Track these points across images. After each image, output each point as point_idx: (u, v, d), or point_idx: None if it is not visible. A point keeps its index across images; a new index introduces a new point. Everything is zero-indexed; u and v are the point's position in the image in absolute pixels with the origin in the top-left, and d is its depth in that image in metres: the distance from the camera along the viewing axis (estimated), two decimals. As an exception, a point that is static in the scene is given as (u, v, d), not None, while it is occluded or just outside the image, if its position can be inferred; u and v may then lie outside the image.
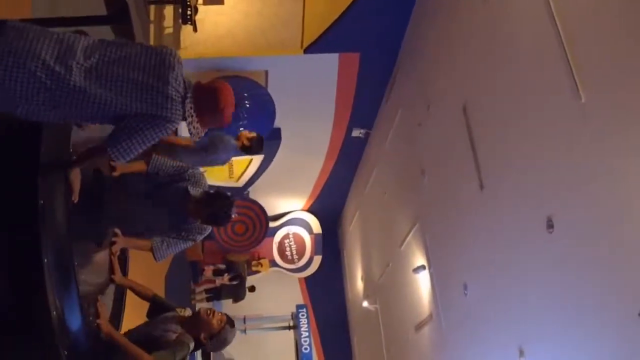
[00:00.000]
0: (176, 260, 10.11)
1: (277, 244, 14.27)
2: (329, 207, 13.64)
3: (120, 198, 3.19)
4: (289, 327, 10.12)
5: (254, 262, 13.73)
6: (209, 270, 12.56)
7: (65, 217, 1.79)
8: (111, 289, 2.77)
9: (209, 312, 3.35)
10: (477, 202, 5.86)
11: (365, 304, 11.09)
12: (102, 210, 2.25)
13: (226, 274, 12.75)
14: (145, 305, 3.61)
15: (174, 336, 3.11)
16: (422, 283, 7.91)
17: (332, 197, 13.17)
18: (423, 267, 7.69)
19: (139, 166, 3.63)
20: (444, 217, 6.96)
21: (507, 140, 5.18)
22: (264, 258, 14.06)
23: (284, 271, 14.18)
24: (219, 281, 12.69)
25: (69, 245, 1.78)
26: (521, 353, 5.14)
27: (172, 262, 9.75)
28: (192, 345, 3.18)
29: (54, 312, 1.63)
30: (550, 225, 4.50)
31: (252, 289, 12.67)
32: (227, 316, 3.45)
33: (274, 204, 13.50)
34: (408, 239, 8.44)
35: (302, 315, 9.65)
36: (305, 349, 9.44)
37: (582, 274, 4.17)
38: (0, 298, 1.66)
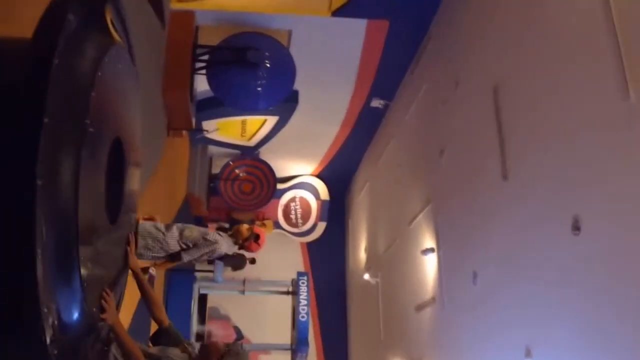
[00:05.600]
0: (180, 215, 9.98)
1: (282, 207, 14.10)
2: (338, 174, 13.41)
3: None
4: (288, 293, 10.01)
5: (257, 222, 13.58)
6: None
7: (73, 201, 1.50)
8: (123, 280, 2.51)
9: (213, 346, 3.14)
10: (498, 192, 5.61)
11: (366, 276, 10.96)
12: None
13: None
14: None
15: None
16: (429, 264, 7.73)
17: (343, 165, 12.93)
18: (432, 249, 7.49)
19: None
20: (460, 201, 6.71)
21: (539, 131, 4.89)
22: (268, 219, 13.92)
23: (287, 234, 14.05)
24: (221, 238, 12.58)
25: (75, 234, 1.50)
26: (528, 353, 4.96)
27: (175, 218, 9.62)
28: None
29: (45, 310, 1.39)
30: (576, 227, 4.25)
31: (253, 261, 12.51)
32: (235, 343, 3.24)
33: (284, 166, 13.28)
34: (419, 218, 8.22)
35: (303, 283, 9.53)
36: (302, 317, 9.35)
37: (604, 281, 3.95)
38: None
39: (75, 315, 1.56)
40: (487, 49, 6.07)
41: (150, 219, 4.84)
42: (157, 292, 8.43)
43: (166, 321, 3.31)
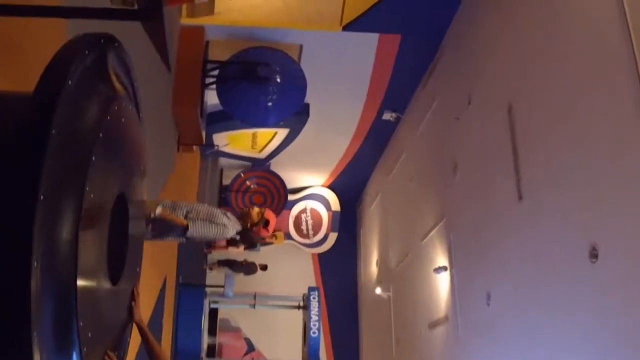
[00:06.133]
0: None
1: (293, 218, 14.03)
2: (349, 186, 13.32)
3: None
4: (299, 307, 9.91)
5: (268, 235, 13.51)
6: (222, 240, 12.37)
7: (72, 277, 1.41)
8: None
9: None
10: (513, 212, 5.50)
11: (378, 290, 10.86)
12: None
13: (241, 244, 12.56)
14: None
15: None
16: (442, 282, 7.62)
17: (354, 177, 12.84)
18: (445, 268, 7.38)
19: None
20: (473, 220, 6.60)
21: (555, 152, 4.78)
22: (279, 230, 13.84)
23: (298, 245, 13.98)
24: (232, 250, 12.53)
25: (74, 309, 1.41)
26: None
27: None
28: None
29: None
30: (594, 255, 4.14)
31: (264, 267, 12.47)
32: None
33: (294, 178, 13.21)
34: (431, 234, 8.11)
35: (314, 298, 9.40)
36: (314, 332, 9.23)
37: (621, 309, 3.84)
38: None
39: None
40: (501, 65, 5.96)
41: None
42: (168, 306, 8.40)
43: None
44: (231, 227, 4.79)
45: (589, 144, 4.27)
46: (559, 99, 4.74)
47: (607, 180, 4.04)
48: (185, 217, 4.59)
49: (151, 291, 7.26)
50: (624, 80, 3.80)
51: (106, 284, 1.70)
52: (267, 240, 13.62)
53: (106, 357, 1.82)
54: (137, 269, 2.12)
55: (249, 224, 5.07)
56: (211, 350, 10.84)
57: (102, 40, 1.75)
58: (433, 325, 7.93)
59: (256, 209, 5.16)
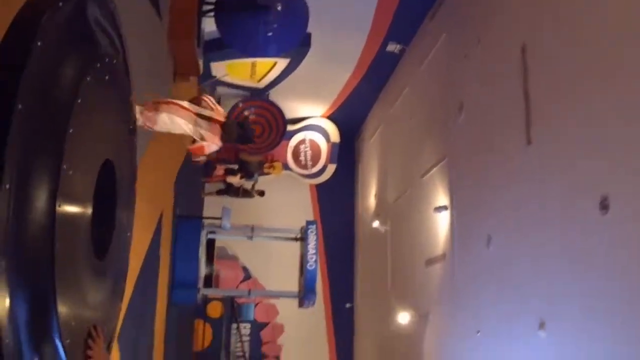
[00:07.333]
0: (188, 160, 9.78)
1: (292, 148, 13.83)
2: (349, 117, 13.05)
3: None
4: (296, 239, 9.89)
5: (266, 164, 13.38)
6: (220, 169, 12.25)
7: (49, 243, 1.23)
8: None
9: None
10: (520, 156, 5.33)
11: (375, 223, 10.84)
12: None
13: (238, 174, 12.47)
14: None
15: None
16: (441, 220, 7.55)
17: (354, 109, 12.55)
18: (445, 207, 7.29)
19: None
20: (477, 161, 6.44)
21: (569, 97, 4.56)
22: (277, 161, 13.69)
23: (296, 175, 13.86)
24: (229, 179, 12.45)
25: (52, 287, 1.25)
26: (541, 325, 4.83)
27: (183, 163, 9.45)
28: None
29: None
30: (604, 207, 4.01)
31: (262, 193, 12.42)
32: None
33: (294, 108, 12.92)
34: (432, 172, 7.98)
35: (311, 232, 9.35)
36: (311, 265, 9.23)
37: (627, 266, 3.75)
38: None
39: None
40: (518, 4, 5.62)
41: None
42: (165, 239, 8.37)
43: None
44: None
45: (606, 91, 4.04)
46: (581, 42, 4.46)
47: (623, 129, 3.85)
48: None
49: (149, 225, 7.21)
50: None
51: (90, 259, 1.55)
52: (265, 170, 13.52)
53: (90, 341, 1.69)
54: (127, 238, 1.97)
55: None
56: (208, 279, 10.93)
57: None
58: (430, 262, 7.93)
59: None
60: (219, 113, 5.09)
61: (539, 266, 4.92)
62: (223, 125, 4.99)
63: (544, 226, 4.81)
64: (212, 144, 5.02)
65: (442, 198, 7.52)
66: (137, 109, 4.23)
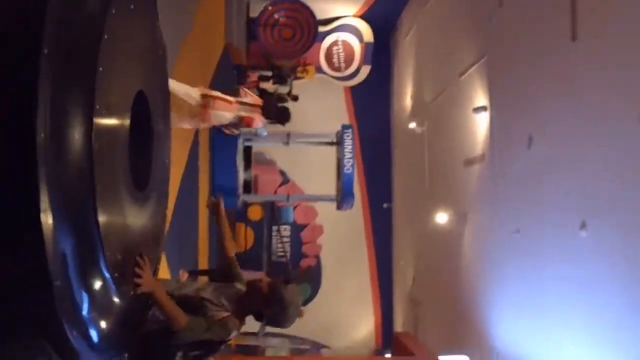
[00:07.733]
0: (220, 67, 9.70)
1: (324, 50, 13.51)
2: (383, 15, 12.57)
3: None
4: (332, 144, 9.88)
5: (299, 68, 13.16)
6: (254, 75, 12.11)
7: (89, 164, 1.23)
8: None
9: (257, 282, 2.94)
10: (564, 53, 5.08)
11: (412, 124, 10.71)
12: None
13: (271, 80, 12.34)
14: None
15: (219, 315, 2.76)
16: (480, 121, 7.39)
17: (388, 6, 12.06)
18: (484, 108, 7.11)
19: None
20: (518, 59, 6.18)
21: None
22: (310, 64, 13.43)
23: (330, 78, 13.64)
24: (263, 85, 12.34)
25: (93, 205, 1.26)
26: (582, 225, 4.80)
27: (217, 66, 9.38)
28: (234, 332, 2.85)
29: (57, 282, 1.18)
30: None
31: (296, 98, 12.32)
32: (279, 284, 2.97)
33: (325, 8, 12.48)
34: (471, 70, 7.72)
35: (347, 136, 9.30)
36: (348, 169, 9.27)
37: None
38: None
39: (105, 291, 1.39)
40: None
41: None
42: (203, 149, 8.51)
43: (232, 252, 3.22)
44: None
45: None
46: None
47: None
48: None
49: (187, 136, 7.32)
50: None
51: (130, 188, 1.56)
52: (299, 74, 13.31)
53: (139, 261, 1.74)
54: (166, 170, 1.97)
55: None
56: (247, 185, 11.13)
57: None
58: (469, 162, 7.86)
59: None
60: (255, 100, 6.86)
61: (581, 167, 4.82)
62: (262, 107, 6.75)
63: (588, 126, 4.66)
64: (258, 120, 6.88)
65: (481, 98, 7.32)
66: (191, 111, 5.47)
